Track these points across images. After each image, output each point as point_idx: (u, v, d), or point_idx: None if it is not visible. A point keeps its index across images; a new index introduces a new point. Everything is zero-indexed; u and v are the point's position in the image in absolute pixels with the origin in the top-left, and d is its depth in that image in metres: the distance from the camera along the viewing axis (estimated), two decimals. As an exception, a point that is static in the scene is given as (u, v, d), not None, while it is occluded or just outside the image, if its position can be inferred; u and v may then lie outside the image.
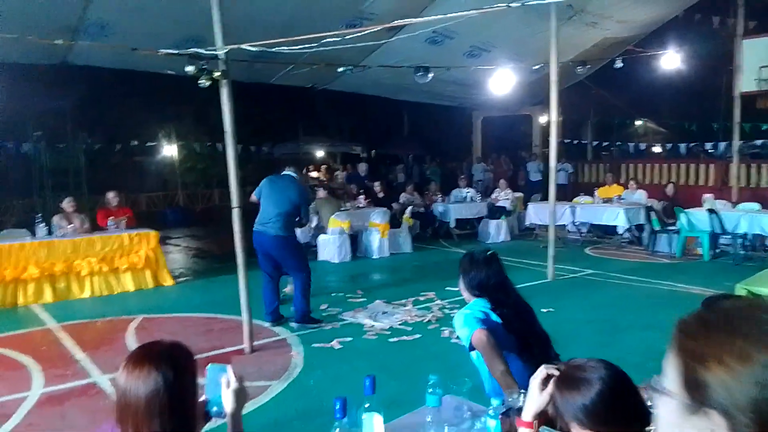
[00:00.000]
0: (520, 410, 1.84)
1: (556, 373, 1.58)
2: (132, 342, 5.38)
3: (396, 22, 5.68)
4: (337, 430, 1.59)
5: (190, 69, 4.41)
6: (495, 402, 1.87)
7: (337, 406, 1.60)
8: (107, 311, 6.54)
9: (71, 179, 12.98)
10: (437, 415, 1.99)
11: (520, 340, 2.51)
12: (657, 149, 19.71)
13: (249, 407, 3.61)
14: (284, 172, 6.05)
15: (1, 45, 6.36)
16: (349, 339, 5.36)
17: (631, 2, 9.43)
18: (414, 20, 5.76)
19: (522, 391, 1.98)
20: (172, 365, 1.53)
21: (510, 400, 1.92)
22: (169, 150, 17.01)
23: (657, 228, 9.35)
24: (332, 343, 5.25)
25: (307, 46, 4.80)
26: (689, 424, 0.71)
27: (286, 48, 4.97)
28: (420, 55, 9.07)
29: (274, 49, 4.97)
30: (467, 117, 17.06)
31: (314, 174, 20.07)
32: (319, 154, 21.02)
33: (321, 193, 10.08)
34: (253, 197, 5.90)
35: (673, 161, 14.65)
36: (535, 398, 1.61)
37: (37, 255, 6.91)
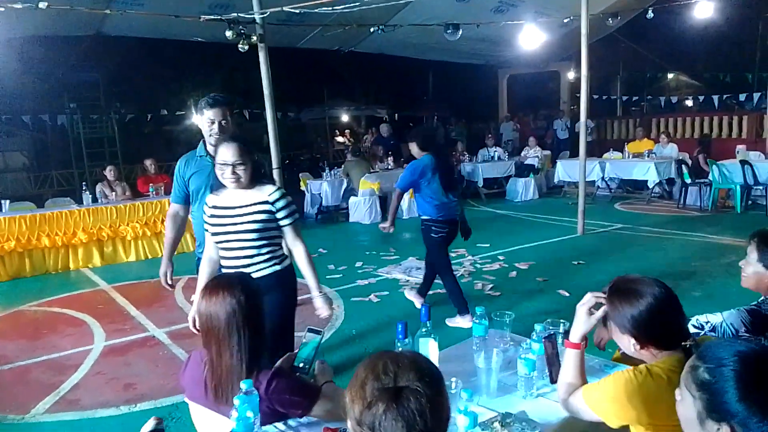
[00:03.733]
0: (554, 336, 2.02)
1: (603, 300, 1.74)
2: (181, 299, 5.69)
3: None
4: (400, 348, 1.78)
5: (229, 34, 4.54)
6: (538, 327, 2.04)
7: (399, 328, 1.78)
8: (153, 273, 6.85)
9: (106, 149, 13.34)
10: (483, 343, 2.17)
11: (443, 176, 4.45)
12: (689, 103, 19.25)
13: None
14: None
15: (39, 17, 6.54)
16: (386, 293, 5.59)
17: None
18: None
19: (561, 321, 2.15)
20: (243, 290, 1.74)
21: (551, 327, 2.09)
22: (196, 118, 17.22)
23: (688, 181, 9.30)
24: (369, 296, 5.48)
25: (338, 6, 4.87)
26: None
27: (319, 9, 5.05)
28: (447, 13, 9.02)
29: (303, 11, 5.05)
30: (493, 76, 16.88)
31: (340, 139, 20.19)
32: (345, 118, 21.05)
33: (350, 156, 10.25)
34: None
35: (705, 114, 14.36)
36: (583, 321, 1.77)
37: (84, 221, 7.24)
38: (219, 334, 1.73)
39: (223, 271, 2.64)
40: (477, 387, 1.95)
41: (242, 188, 2.57)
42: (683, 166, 9.42)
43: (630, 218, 8.72)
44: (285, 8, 4.57)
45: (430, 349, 1.97)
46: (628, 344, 1.69)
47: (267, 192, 2.61)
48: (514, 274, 6.00)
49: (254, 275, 2.50)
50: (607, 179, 10.68)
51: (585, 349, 1.83)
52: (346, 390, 1.16)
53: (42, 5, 4.24)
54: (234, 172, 2.50)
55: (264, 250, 2.65)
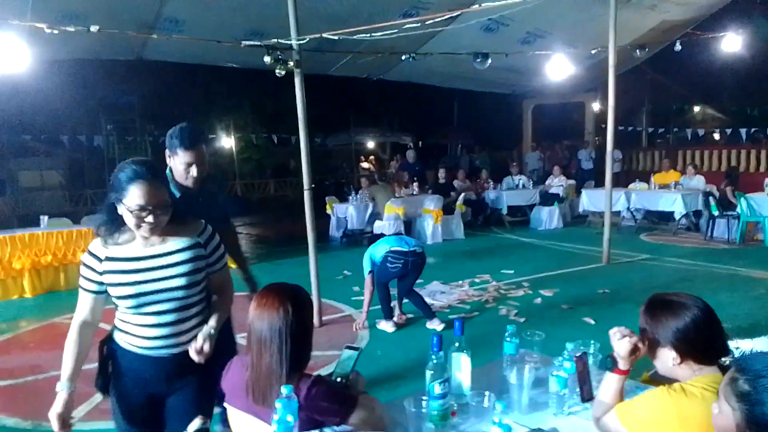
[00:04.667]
0: (585, 355, 2.05)
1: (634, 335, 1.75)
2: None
3: (456, 11, 5.86)
4: (434, 361, 1.85)
5: (267, 59, 4.74)
6: (570, 346, 2.10)
7: (435, 341, 1.85)
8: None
9: (138, 170, 13.71)
10: (514, 361, 2.22)
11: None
12: (716, 136, 19.13)
13: (323, 371, 3.93)
14: None
15: (86, 41, 6.86)
16: (410, 315, 5.63)
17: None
18: (471, 9, 5.92)
19: (592, 342, 2.20)
20: (292, 300, 1.82)
21: (583, 347, 2.14)
22: (227, 141, 17.68)
23: (716, 213, 9.22)
24: (394, 317, 5.53)
25: (376, 33, 5.06)
26: None
27: (356, 36, 5.24)
28: (475, 43, 9.21)
29: (339, 38, 5.24)
30: (518, 105, 17.02)
31: (365, 165, 20.44)
32: (370, 144, 21.35)
33: (376, 181, 10.40)
34: None
35: (733, 147, 14.27)
36: (626, 352, 1.74)
37: (118, 237, 7.45)
38: (262, 337, 1.81)
39: (140, 350, 2.06)
40: (509, 404, 1.99)
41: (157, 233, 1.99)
42: (710, 198, 9.36)
43: (656, 249, 8.67)
44: (324, 35, 4.74)
45: (462, 363, 2.03)
46: (667, 359, 1.70)
47: (196, 229, 2.08)
48: (539, 300, 6.01)
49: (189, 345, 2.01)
50: (632, 210, 10.64)
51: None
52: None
53: (93, 29, 4.48)
54: (156, 218, 1.91)
55: (198, 309, 2.10)
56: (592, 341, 2.18)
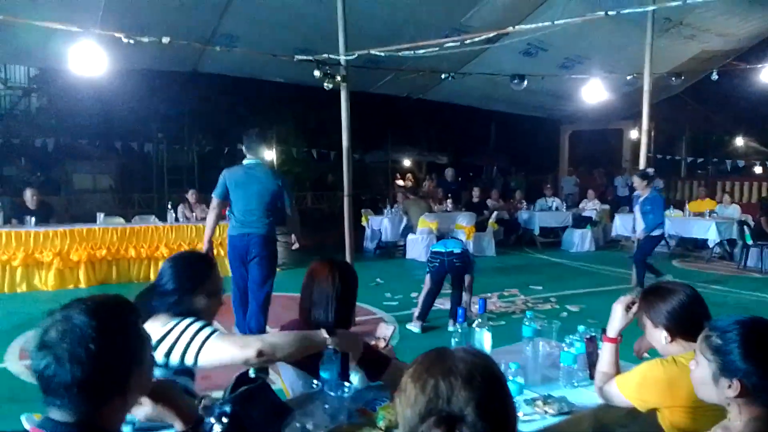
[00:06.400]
0: (596, 338, 2.31)
1: (636, 300, 2.05)
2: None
3: (498, 31, 6.17)
4: (458, 330, 2.12)
5: (317, 73, 5.12)
6: (581, 328, 2.35)
7: (460, 312, 2.13)
8: (226, 288, 7.41)
9: (184, 177, 14.37)
10: (531, 342, 2.48)
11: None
12: (758, 170, 18.86)
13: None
14: (249, 161, 4.80)
15: (148, 52, 7.41)
16: (440, 319, 5.88)
17: (732, 15, 9.35)
18: (513, 29, 6.23)
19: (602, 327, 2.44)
20: (342, 272, 2.14)
21: (593, 331, 2.39)
22: (269, 154, 18.27)
23: (750, 243, 9.21)
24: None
25: (419, 51, 5.41)
26: None
27: (399, 53, 5.60)
28: (514, 67, 9.50)
29: (387, 55, 5.61)
30: (555, 130, 17.16)
31: (401, 182, 20.79)
32: (406, 162, 21.71)
33: (410, 195, 10.72)
34: (215, 200, 4.77)
35: (773, 180, 14.13)
36: (619, 318, 2.07)
37: (167, 237, 7.94)
38: (313, 298, 2.14)
39: None
40: (524, 377, 2.25)
41: None
42: (745, 227, 9.35)
43: (687, 275, 8.69)
44: (372, 51, 5.12)
45: (484, 338, 2.30)
46: (660, 338, 1.98)
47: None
48: (564, 314, 6.18)
49: None
50: (666, 236, 10.65)
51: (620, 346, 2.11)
52: (395, 400, 1.12)
53: (165, 40, 4.95)
54: None
55: None
56: (603, 327, 2.41)
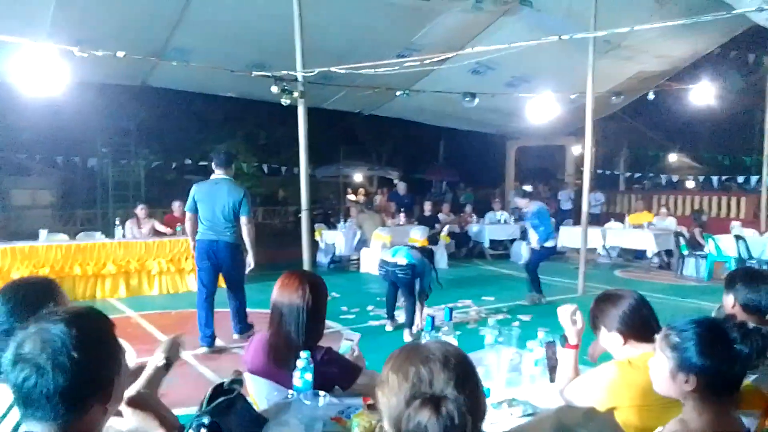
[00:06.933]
0: (554, 343, 2.44)
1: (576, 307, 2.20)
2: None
3: (446, 54, 6.38)
4: (427, 337, 2.20)
5: (275, 89, 5.16)
6: (541, 333, 2.47)
7: (429, 320, 2.21)
8: (176, 305, 7.28)
9: (130, 193, 13.97)
10: (494, 349, 2.58)
11: None
12: (690, 184, 19.94)
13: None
14: (216, 176, 5.42)
15: (98, 65, 7.25)
16: (398, 332, 5.95)
17: (667, 38, 9.94)
18: (462, 52, 6.45)
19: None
20: (311, 284, 2.18)
21: (552, 336, 2.51)
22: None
23: (685, 253, 9.73)
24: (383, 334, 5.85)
25: (380, 69, 5.53)
26: None
27: (358, 71, 5.70)
28: (464, 84, 9.79)
29: (345, 71, 5.70)
30: (502, 145, 17.66)
31: (352, 197, 20.87)
32: (358, 177, 21.81)
33: (365, 210, 10.81)
34: (188, 213, 5.43)
35: (705, 194, 14.96)
36: (569, 327, 2.20)
37: (115, 254, 7.72)
38: (281, 315, 2.16)
39: None
40: (489, 382, 2.34)
41: None
42: (681, 238, 9.89)
43: (629, 284, 9.09)
44: (332, 68, 5.20)
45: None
46: (613, 342, 2.12)
47: None
48: (516, 323, 6.36)
49: None
50: (607, 247, 11.13)
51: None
52: (377, 390, 1.19)
53: (120, 54, 4.88)
54: None
55: None
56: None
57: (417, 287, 5.97)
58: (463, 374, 1.14)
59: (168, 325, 6.22)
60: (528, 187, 16.42)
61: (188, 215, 5.40)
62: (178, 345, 2.06)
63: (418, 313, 5.96)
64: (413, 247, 6.40)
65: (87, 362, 1.16)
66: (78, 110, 11.33)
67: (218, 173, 5.37)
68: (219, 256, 5.28)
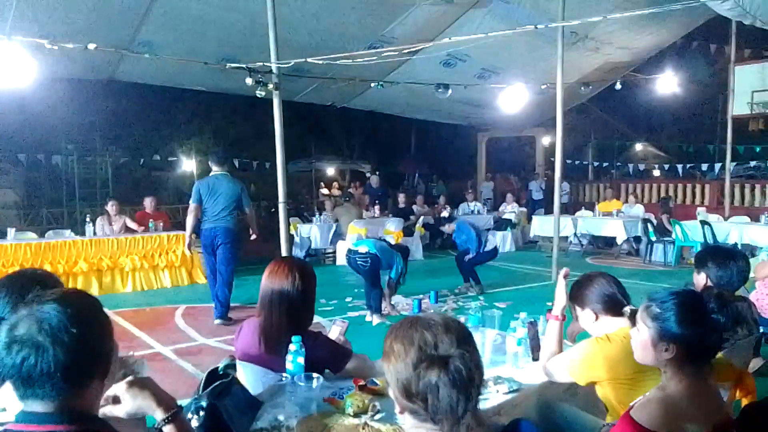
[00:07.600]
0: (536, 323, 2.52)
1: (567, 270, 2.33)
2: (182, 324, 6.01)
3: (418, 45, 6.42)
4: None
5: (249, 81, 5.13)
6: (523, 314, 2.54)
7: (416, 304, 2.26)
8: (151, 302, 7.19)
9: (98, 190, 13.70)
10: (477, 330, 2.65)
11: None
12: (656, 172, 20.45)
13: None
14: (216, 173, 6.24)
15: (63, 59, 7.09)
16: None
17: (631, 29, 10.19)
18: (431, 44, 6.51)
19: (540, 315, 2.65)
20: (300, 270, 2.21)
21: (533, 316, 2.59)
22: (188, 165, 17.76)
23: (653, 239, 10.00)
24: (363, 324, 5.88)
25: (358, 60, 5.54)
26: None
27: (330, 61, 5.70)
28: (435, 76, 9.85)
29: (322, 62, 5.69)
30: (473, 136, 17.83)
31: (325, 191, 20.82)
32: (330, 171, 21.77)
33: (343, 202, 10.82)
34: (193, 204, 6.14)
35: (670, 181, 15.36)
36: (562, 298, 2.29)
37: (86, 251, 7.58)
38: (272, 301, 2.18)
39: None
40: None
41: None
42: (649, 225, 10.15)
43: (600, 270, 9.30)
44: (309, 59, 5.18)
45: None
46: (588, 319, 2.22)
47: None
48: (494, 311, 6.46)
49: None
50: (579, 235, 11.36)
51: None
52: (381, 361, 1.26)
53: (91, 47, 4.78)
54: None
55: None
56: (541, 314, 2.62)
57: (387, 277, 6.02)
58: (464, 335, 1.23)
59: (143, 322, 6.15)
60: (490, 183, 16.72)
61: (193, 206, 6.10)
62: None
63: (387, 299, 6.03)
64: (385, 241, 6.50)
65: (86, 337, 1.18)
66: (42, 106, 11.06)
67: (217, 170, 6.23)
68: (217, 239, 6.06)
